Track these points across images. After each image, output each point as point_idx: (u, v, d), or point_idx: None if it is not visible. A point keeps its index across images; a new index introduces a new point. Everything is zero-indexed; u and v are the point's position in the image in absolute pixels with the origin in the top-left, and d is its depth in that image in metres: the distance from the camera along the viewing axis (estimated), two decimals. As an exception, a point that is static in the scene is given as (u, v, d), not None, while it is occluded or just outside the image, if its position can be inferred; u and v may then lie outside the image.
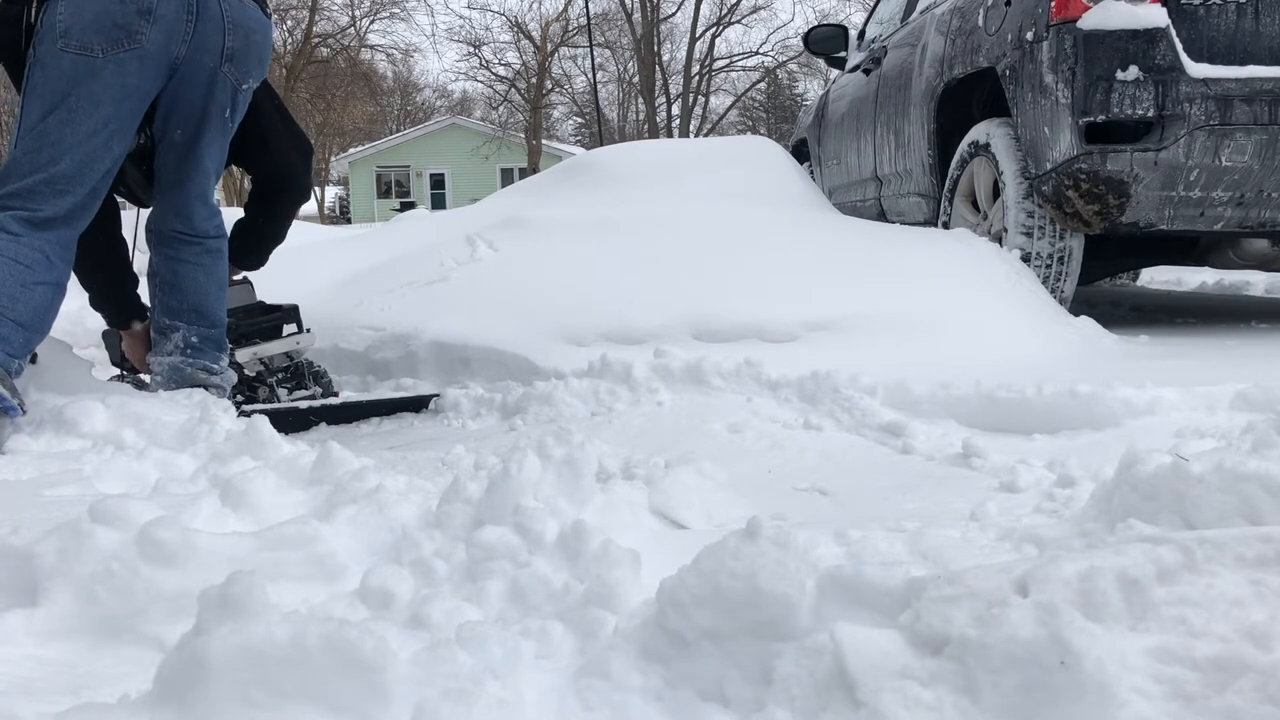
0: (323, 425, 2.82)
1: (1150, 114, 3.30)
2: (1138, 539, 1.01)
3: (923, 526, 1.48)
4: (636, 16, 34.91)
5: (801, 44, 6.98)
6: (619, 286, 3.34)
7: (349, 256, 4.60)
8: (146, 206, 2.73)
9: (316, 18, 30.38)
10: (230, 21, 2.42)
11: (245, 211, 2.92)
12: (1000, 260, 3.59)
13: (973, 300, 3.30)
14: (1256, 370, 2.47)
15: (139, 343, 2.82)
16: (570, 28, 34.18)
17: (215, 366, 2.61)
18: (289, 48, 30.80)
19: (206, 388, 2.53)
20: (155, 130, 2.51)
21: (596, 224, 3.86)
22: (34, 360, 2.43)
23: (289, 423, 2.65)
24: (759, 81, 39.33)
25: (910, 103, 4.72)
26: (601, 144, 8.17)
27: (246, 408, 2.61)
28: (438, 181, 38.78)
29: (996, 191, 3.98)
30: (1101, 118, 3.36)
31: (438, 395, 2.92)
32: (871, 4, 6.43)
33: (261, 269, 3.06)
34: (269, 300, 3.09)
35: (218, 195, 2.69)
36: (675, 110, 36.88)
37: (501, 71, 36.36)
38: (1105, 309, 4.52)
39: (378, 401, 2.94)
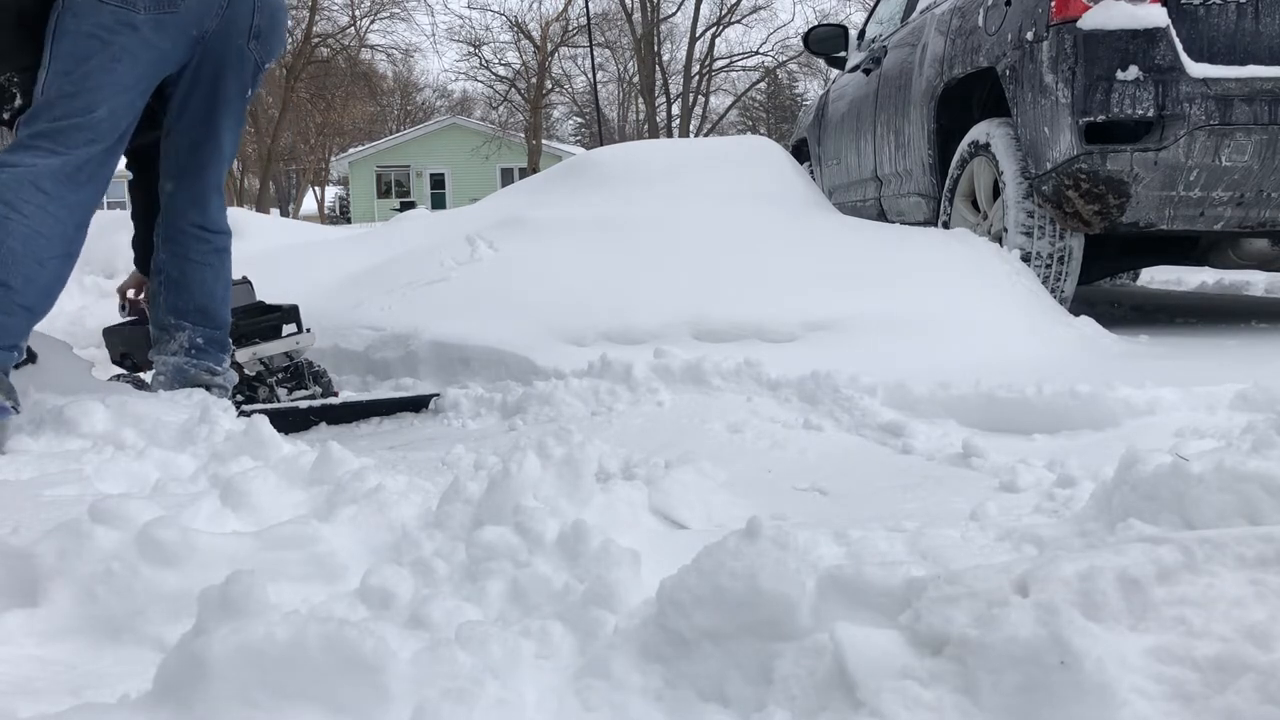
0: (323, 425, 2.81)
1: (1150, 114, 3.30)
2: (1138, 539, 1.01)
3: (923, 526, 1.48)
4: (636, 16, 34.91)
5: (801, 44, 6.98)
6: (619, 286, 3.34)
7: (349, 256, 4.61)
8: None
9: (316, 18, 30.34)
10: None
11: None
12: (1000, 260, 3.59)
13: (973, 300, 3.30)
14: (1256, 370, 2.46)
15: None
16: (570, 28, 34.16)
17: (218, 368, 2.60)
18: (289, 48, 30.76)
19: (208, 388, 2.52)
20: (171, 112, 2.48)
21: (596, 224, 3.86)
22: (34, 360, 2.43)
23: (289, 423, 2.65)
24: (759, 81, 39.31)
25: (910, 103, 4.72)
26: (601, 144, 8.17)
27: (246, 408, 2.61)
28: (438, 181, 38.77)
29: (996, 191, 3.98)
30: (1101, 118, 3.36)
31: (438, 395, 2.92)
32: (871, 4, 6.43)
33: (262, 269, 3.06)
34: (269, 300, 3.09)
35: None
36: (675, 110, 36.91)
37: (501, 71, 36.36)
38: (1105, 309, 4.52)
39: (378, 401, 2.94)
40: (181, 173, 2.54)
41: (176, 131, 2.51)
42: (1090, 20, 3.38)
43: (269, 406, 2.76)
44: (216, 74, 2.44)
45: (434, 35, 72.58)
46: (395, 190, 39.42)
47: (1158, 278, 6.54)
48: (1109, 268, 5.16)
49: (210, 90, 2.45)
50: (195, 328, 2.57)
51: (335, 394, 3.04)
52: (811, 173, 6.26)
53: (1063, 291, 3.79)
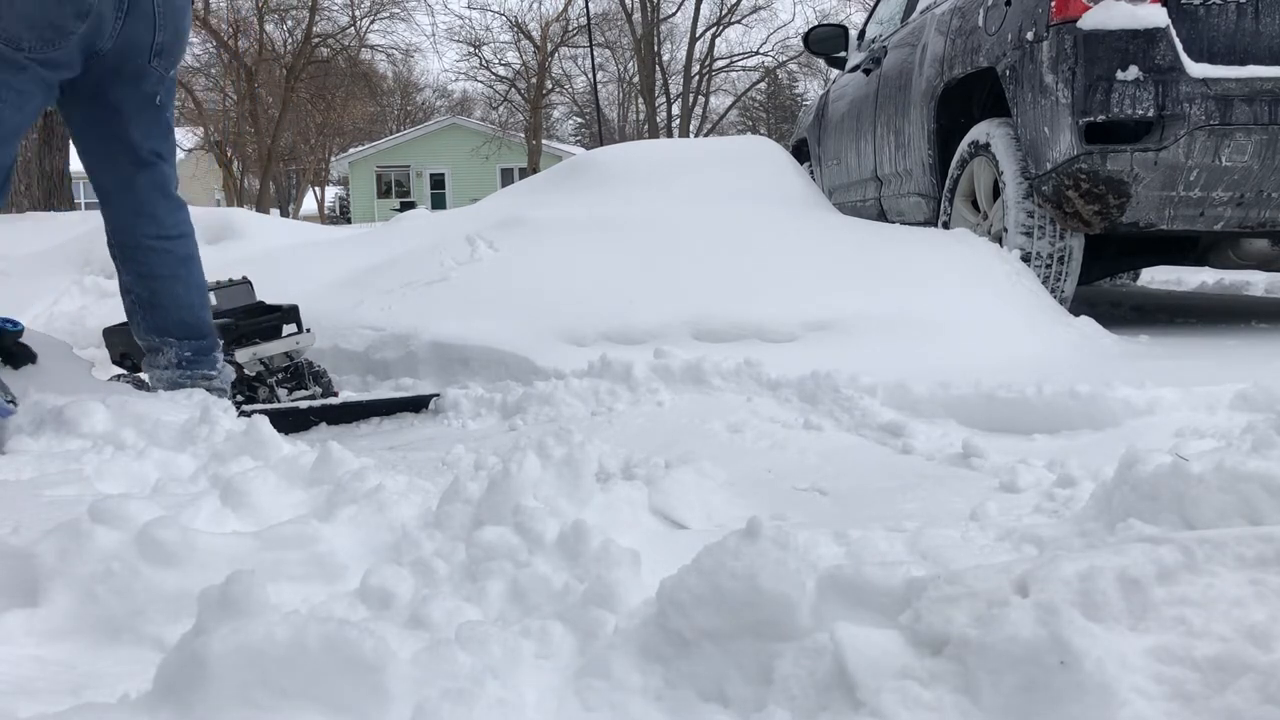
0: (323, 425, 2.81)
1: (1150, 114, 3.30)
2: (1138, 539, 1.01)
3: (923, 526, 1.48)
4: (636, 16, 34.89)
5: (801, 44, 6.98)
6: (619, 286, 3.35)
7: (349, 256, 4.60)
8: None
9: (316, 18, 30.31)
10: (161, 15, 2.29)
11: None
12: (1000, 260, 3.59)
13: (973, 300, 3.30)
14: (1256, 370, 2.46)
15: None
16: (570, 28, 34.13)
17: (212, 373, 2.58)
18: (289, 48, 30.78)
19: (208, 390, 2.52)
20: (74, 131, 2.39)
21: (597, 224, 3.86)
22: (34, 360, 2.43)
23: (289, 423, 2.65)
24: (759, 81, 39.27)
25: (910, 103, 4.72)
26: (601, 144, 8.17)
27: (246, 408, 2.61)
28: (438, 181, 38.74)
29: (996, 191, 3.98)
30: (1101, 118, 3.36)
31: (438, 395, 2.92)
32: (871, 4, 6.43)
33: (262, 269, 3.06)
34: (269, 300, 3.09)
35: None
36: (675, 110, 36.89)
37: (501, 71, 36.32)
38: (1105, 309, 4.52)
39: (378, 401, 2.94)
40: (107, 189, 2.45)
41: (85, 150, 2.42)
42: (1090, 20, 3.38)
43: (269, 406, 2.76)
44: (117, 96, 2.33)
45: (434, 35, 72.55)
46: (395, 190, 39.38)
47: (1158, 278, 6.54)
48: (1109, 268, 5.16)
49: (112, 112, 2.35)
50: (181, 342, 2.52)
51: (335, 394, 3.04)
52: (811, 173, 6.27)
53: (1063, 291, 3.79)
